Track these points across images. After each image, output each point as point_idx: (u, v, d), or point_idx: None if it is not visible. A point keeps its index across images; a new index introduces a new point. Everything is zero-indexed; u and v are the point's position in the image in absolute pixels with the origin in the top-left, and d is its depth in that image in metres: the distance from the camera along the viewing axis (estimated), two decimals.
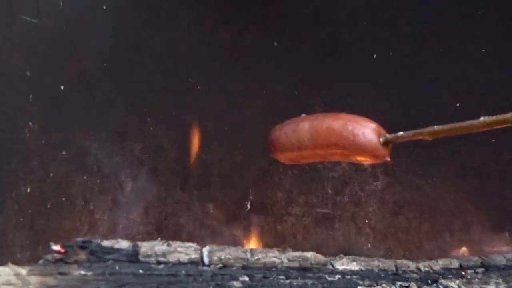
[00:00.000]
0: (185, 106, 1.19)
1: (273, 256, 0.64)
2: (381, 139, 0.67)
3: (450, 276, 0.72)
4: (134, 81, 1.10)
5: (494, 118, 0.64)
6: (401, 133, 0.69)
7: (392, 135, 0.68)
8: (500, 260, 0.84)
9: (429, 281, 0.74)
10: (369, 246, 1.28)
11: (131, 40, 1.07)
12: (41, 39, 0.89)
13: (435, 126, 0.68)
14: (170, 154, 1.16)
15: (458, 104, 1.24)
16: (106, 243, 0.56)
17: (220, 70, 1.23)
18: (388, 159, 0.69)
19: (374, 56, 1.19)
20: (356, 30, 1.25)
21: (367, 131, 0.68)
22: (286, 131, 0.79)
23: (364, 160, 0.75)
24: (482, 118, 0.66)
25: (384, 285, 0.70)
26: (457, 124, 0.68)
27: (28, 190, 0.79)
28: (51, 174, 0.85)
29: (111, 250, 0.56)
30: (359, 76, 1.25)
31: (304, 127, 0.76)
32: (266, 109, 1.20)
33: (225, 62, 1.22)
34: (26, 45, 0.85)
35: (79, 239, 0.58)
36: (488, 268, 0.77)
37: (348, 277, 0.70)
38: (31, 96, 0.80)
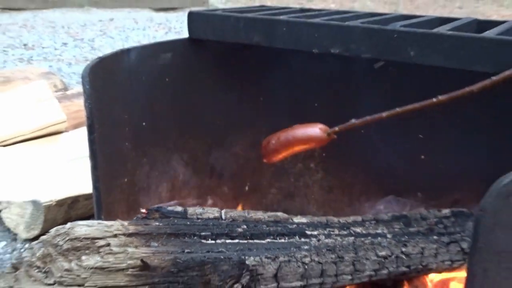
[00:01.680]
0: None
1: (260, 215, 0.84)
2: (325, 133, 0.91)
3: (356, 225, 0.93)
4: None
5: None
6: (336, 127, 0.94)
7: (332, 129, 0.92)
8: (384, 216, 1.04)
9: (345, 228, 0.94)
10: (315, 210, 1.49)
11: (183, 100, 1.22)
12: (132, 96, 1.05)
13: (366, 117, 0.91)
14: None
15: None
16: (169, 208, 0.76)
17: None
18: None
19: None
20: None
21: (317, 129, 0.92)
22: (275, 139, 0.99)
23: (316, 146, 1.00)
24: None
25: (319, 229, 0.89)
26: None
27: (126, 180, 0.97)
28: (137, 172, 1.03)
29: (172, 212, 0.76)
30: None
31: (285, 135, 0.97)
32: None
33: None
34: (124, 100, 1.01)
35: (155, 206, 0.77)
36: (377, 221, 0.98)
37: (300, 226, 0.90)
38: (127, 128, 0.98)
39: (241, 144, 1.40)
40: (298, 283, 0.79)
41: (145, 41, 4.52)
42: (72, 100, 1.84)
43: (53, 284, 0.63)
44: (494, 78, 0.75)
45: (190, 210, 0.81)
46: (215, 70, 1.26)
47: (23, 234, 1.28)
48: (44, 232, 1.26)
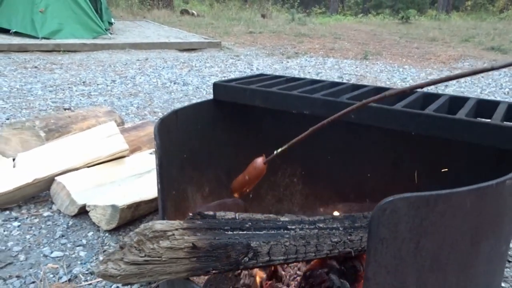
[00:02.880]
0: None
1: (259, 216, 1.11)
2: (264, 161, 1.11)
3: (320, 222, 1.19)
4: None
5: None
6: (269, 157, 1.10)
7: (266, 159, 1.10)
8: (339, 216, 1.30)
9: (312, 223, 1.18)
10: (296, 210, 1.69)
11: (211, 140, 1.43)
12: (179, 139, 1.29)
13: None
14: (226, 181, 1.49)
15: None
16: (205, 212, 1.04)
17: None
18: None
19: None
20: None
21: (260, 163, 1.19)
22: (237, 181, 1.15)
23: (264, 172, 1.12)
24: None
25: (296, 225, 1.15)
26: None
27: (174, 192, 1.24)
28: (181, 187, 1.30)
29: (207, 215, 1.04)
30: None
31: (242, 176, 1.14)
32: None
33: None
34: (175, 142, 1.29)
35: (197, 211, 1.05)
36: (334, 219, 1.21)
37: (284, 222, 1.16)
38: (176, 161, 1.24)
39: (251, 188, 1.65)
40: (282, 257, 1.06)
41: (174, 77, 4.76)
42: (129, 132, 2.10)
43: (144, 257, 0.91)
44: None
45: (217, 213, 1.09)
46: (231, 120, 1.49)
47: (104, 227, 1.54)
48: (118, 225, 1.54)
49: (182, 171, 1.30)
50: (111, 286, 1.23)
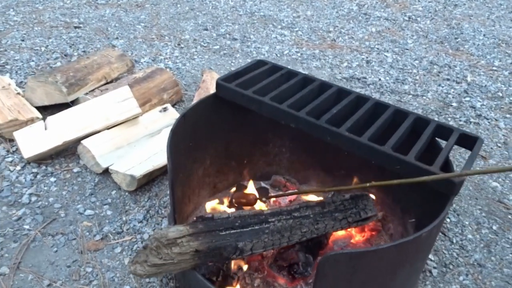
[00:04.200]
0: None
1: (246, 212, 1.41)
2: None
3: (295, 211, 1.42)
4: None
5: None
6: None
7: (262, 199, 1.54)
8: (312, 203, 1.62)
9: (288, 213, 1.39)
10: (283, 172, 1.97)
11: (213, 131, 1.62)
12: (188, 133, 1.53)
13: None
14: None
15: None
16: (205, 215, 1.36)
17: None
18: None
19: None
20: None
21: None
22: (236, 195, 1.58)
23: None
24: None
25: (275, 217, 1.49)
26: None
27: (181, 188, 1.55)
28: (189, 178, 1.60)
29: (206, 218, 1.37)
30: None
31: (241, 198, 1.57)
32: None
33: None
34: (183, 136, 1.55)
35: (199, 215, 1.39)
36: (307, 207, 1.49)
37: (266, 215, 1.37)
38: (191, 144, 1.50)
39: (245, 146, 1.90)
40: (261, 250, 1.41)
41: None
42: (140, 84, 2.33)
43: (161, 259, 1.27)
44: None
45: (215, 215, 1.42)
46: (230, 114, 1.73)
47: (124, 188, 1.86)
48: (136, 188, 1.89)
49: (188, 155, 1.58)
50: (135, 246, 1.63)
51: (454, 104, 2.77)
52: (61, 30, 3.38)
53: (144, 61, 2.95)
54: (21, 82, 2.53)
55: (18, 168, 1.88)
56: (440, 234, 1.81)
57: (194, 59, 3.07)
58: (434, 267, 1.64)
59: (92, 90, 2.23)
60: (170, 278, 1.46)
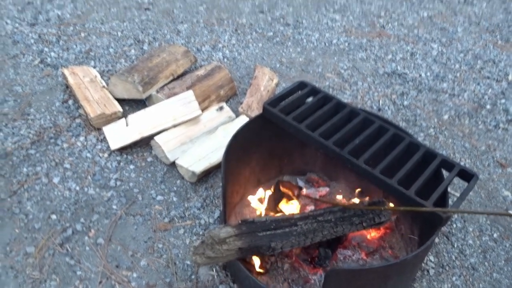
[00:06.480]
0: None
1: (280, 216, 1.86)
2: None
3: (320, 215, 1.92)
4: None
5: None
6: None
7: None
8: (334, 208, 2.05)
9: (314, 217, 1.94)
10: (317, 171, 2.41)
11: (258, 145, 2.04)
12: (241, 148, 1.99)
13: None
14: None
15: None
16: (247, 219, 1.80)
17: None
18: None
19: None
20: None
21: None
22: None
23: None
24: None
25: (303, 220, 1.91)
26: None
27: (234, 195, 2.01)
28: (235, 181, 2.01)
29: (248, 220, 1.80)
30: None
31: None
32: None
33: None
34: (236, 151, 1.97)
35: (243, 218, 1.83)
36: (330, 212, 1.97)
37: (295, 219, 1.93)
38: (240, 153, 1.94)
39: (286, 149, 2.25)
40: (289, 248, 1.84)
41: None
42: (202, 82, 2.72)
43: (214, 253, 1.72)
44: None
45: (255, 219, 1.85)
46: (275, 127, 2.06)
47: (187, 179, 2.33)
48: (197, 180, 2.35)
49: (238, 160, 1.99)
50: (194, 230, 2.11)
51: (488, 107, 2.94)
52: (133, 11, 3.77)
53: (205, 50, 3.31)
54: (103, 70, 2.99)
55: (106, 155, 2.37)
56: (444, 237, 2.14)
57: (249, 48, 3.39)
58: (432, 267, 1.99)
59: (162, 87, 2.65)
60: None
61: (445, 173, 1.75)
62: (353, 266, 1.72)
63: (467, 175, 1.72)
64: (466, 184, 1.67)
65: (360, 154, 1.74)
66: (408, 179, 1.67)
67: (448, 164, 1.76)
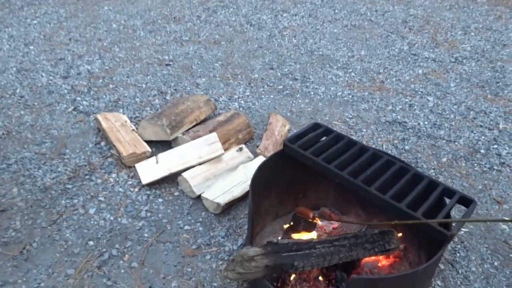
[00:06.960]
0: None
1: (299, 239, 2.09)
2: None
3: (336, 241, 2.15)
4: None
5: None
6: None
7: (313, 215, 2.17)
8: (349, 234, 2.26)
9: (331, 242, 2.16)
10: (329, 205, 2.65)
11: (281, 178, 2.34)
12: (264, 181, 2.22)
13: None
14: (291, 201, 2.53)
15: None
16: (271, 241, 2.00)
17: None
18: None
19: None
20: None
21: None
22: (300, 210, 2.23)
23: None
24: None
25: (321, 244, 2.14)
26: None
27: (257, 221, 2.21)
28: (260, 211, 2.24)
29: (272, 242, 2.01)
30: None
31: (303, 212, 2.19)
32: None
33: None
34: (259, 181, 2.21)
35: (268, 240, 2.03)
36: (345, 238, 2.17)
37: (313, 243, 2.15)
38: (263, 186, 2.20)
39: (302, 184, 2.45)
40: (309, 268, 2.03)
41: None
42: (223, 127, 3.01)
43: (243, 270, 1.91)
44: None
45: (279, 241, 2.06)
46: (293, 162, 2.31)
47: (211, 211, 2.55)
48: (221, 212, 2.57)
49: (260, 193, 2.23)
50: (220, 255, 2.30)
51: (482, 151, 3.22)
52: (155, 67, 4.15)
53: (222, 100, 3.64)
54: (131, 117, 3.29)
55: (136, 189, 2.60)
56: (449, 265, 2.33)
57: (262, 99, 3.72)
58: None
59: (187, 130, 2.93)
60: (244, 280, 2.12)
61: (447, 200, 1.97)
62: (370, 276, 1.90)
63: (466, 201, 1.95)
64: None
65: (371, 183, 1.98)
66: (415, 204, 1.90)
67: (449, 192, 1.99)
